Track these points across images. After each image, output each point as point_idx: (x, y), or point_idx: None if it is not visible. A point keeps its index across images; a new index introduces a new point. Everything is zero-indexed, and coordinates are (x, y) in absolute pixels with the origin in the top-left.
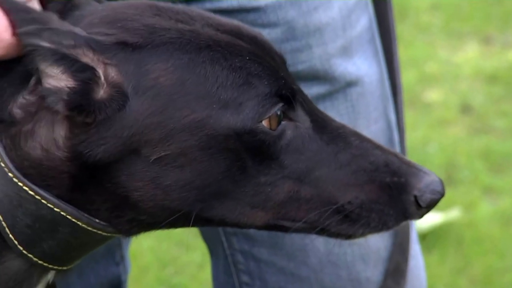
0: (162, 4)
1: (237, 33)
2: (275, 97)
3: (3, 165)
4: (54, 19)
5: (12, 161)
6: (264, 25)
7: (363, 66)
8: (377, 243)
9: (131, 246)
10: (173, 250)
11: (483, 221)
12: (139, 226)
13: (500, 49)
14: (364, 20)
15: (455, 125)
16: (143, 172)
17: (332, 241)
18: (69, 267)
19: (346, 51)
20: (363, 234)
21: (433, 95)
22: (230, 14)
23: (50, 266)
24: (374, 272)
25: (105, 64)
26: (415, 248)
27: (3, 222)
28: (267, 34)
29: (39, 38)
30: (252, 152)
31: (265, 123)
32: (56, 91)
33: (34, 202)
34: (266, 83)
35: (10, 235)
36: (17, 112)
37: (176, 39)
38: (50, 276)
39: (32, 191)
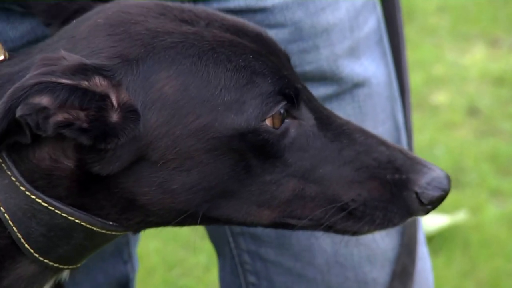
0: (168, 3)
1: (242, 31)
2: (278, 95)
3: (14, 179)
4: (63, 54)
5: (22, 174)
6: (271, 26)
7: (371, 67)
8: (383, 244)
9: (137, 248)
10: (180, 252)
11: (490, 224)
12: (148, 226)
13: (507, 52)
14: (372, 22)
15: (462, 128)
16: (150, 177)
17: (339, 242)
18: (81, 264)
19: (353, 52)
20: (369, 231)
21: (440, 97)
22: (237, 15)
23: (65, 267)
24: (381, 273)
25: (116, 87)
26: (422, 251)
27: (17, 233)
28: (274, 34)
29: (54, 76)
30: (256, 151)
31: (268, 122)
32: (75, 123)
33: (47, 213)
34: (269, 81)
35: (26, 245)
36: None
37: (178, 43)
38: (65, 274)
39: (45, 202)
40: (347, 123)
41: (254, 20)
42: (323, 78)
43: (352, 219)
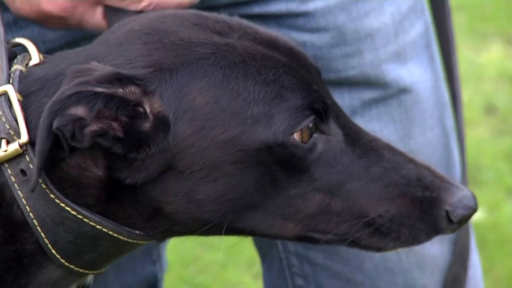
0: (204, 13)
1: (274, 44)
2: (307, 110)
3: (44, 186)
4: (94, 65)
5: (53, 182)
6: (313, 30)
7: (417, 73)
8: (433, 251)
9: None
10: (196, 249)
11: (507, 222)
12: (173, 234)
13: None
14: (419, 26)
15: (479, 126)
16: (177, 187)
17: None
18: (105, 269)
19: (399, 57)
20: (393, 248)
21: None
22: (278, 19)
23: (90, 272)
24: (430, 280)
25: (149, 96)
26: (474, 258)
27: (45, 239)
28: (316, 39)
29: (89, 85)
30: (283, 164)
31: (296, 136)
32: (110, 132)
33: (76, 221)
34: (298, 96)
35: (53, 251)
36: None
37: (211, 54)
38: (89, 278)
39: (74, 211)
40: (375, 139)
41: (296, 25)
42: (368, 82)
43: (378, 235)
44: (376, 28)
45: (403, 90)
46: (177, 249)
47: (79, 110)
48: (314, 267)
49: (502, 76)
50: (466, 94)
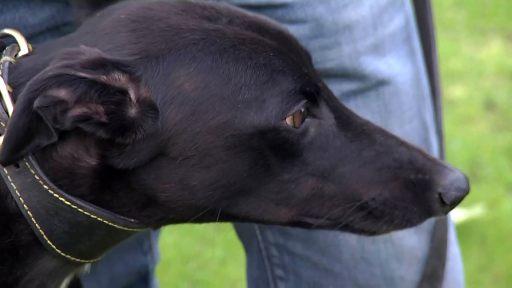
0: (190, 0)
1: (263, 28)
2: (299, 94)
3: (37, 177)
4: (83, 49)
5: (45, 173)
6: (291, 22)
7: (396, 65)
8: (411, 242)
9: (158, 240)
10: (196, 245)
11: (506, 218)
12: (168, 222)
13: None
14: (399, 20)
15: (479, 122)
16: (170, 174)
17: (366, 238)
18: (101, 257)
19: (377, 50)
20: (386, 231)
21: (457, 91)
22: (258, 10)
23: (86, 261)
24: (408, 271)
25: (135, 83)
26: (453, 251)
27: (40, 230)
28: (295, 30)
29: (72, 69)
30: (276, 149)
31: (288, 120)
32: (93, 117)
33: (70, 211)
34: (290, 79)
35: (48, 241)
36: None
37: (200, 40)
38: (87, 267)
39: (68, 201)
40: (367, 123)
41: (275, 16)
42: (346, 75)
43: (371, 218)
44: (354, 20)
45: (382, 83)
46: (176, 246)
47: (61, 93)
48: (293, 258)
49: (502, 72)
50: (466, 90)
